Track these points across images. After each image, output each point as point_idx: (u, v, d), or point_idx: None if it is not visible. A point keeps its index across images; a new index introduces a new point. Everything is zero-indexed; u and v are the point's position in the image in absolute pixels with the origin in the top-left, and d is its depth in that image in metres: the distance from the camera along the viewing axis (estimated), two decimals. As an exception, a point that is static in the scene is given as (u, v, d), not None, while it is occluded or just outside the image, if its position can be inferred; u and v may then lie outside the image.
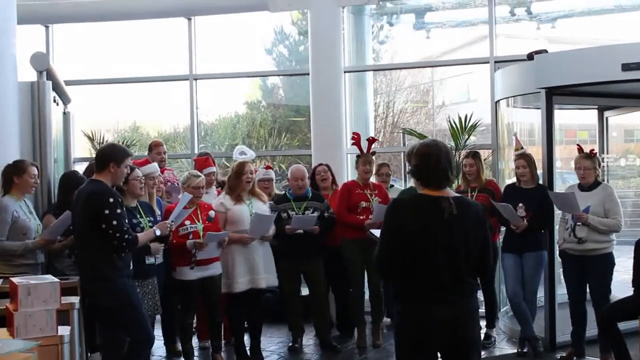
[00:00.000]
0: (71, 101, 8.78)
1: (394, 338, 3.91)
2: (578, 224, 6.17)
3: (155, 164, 6.44)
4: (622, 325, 5.77)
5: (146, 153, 7.90)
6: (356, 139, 7.07)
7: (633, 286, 5.75)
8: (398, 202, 3.77)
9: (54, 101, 7.58)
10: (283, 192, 7.17)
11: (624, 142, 11.24)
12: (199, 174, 6.32)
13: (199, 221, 6.11)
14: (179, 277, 6.13)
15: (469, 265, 3.63)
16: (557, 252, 6.67)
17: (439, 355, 3.72)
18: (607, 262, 6.22)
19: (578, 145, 6.58)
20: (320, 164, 7.49)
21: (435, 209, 3.58)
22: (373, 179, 7.30)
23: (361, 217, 6.76)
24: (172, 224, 5.46)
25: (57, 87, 7.74)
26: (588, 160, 6.33)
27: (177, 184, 7.44)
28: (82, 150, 10.01)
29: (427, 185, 3.66)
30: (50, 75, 7.49)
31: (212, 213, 6.25)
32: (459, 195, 3.77)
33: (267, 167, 7.51)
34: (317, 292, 6.91)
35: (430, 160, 3.62)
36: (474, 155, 7.01)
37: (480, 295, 7.19)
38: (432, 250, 3.55)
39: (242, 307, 6.47)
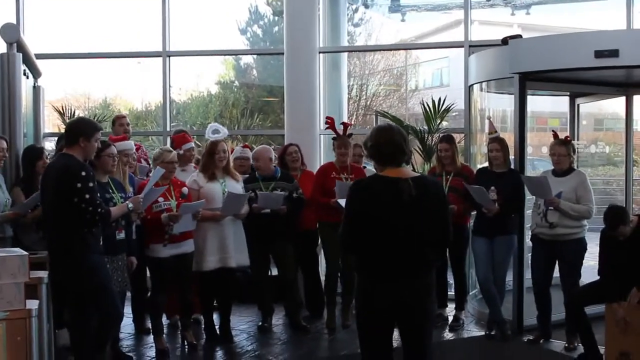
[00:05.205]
0: (42, 75, 8.63)
1: (355, 313, 4.02)
2: (550, 208, 6.20)
3: (131, 142, 6.36)
4: (589, 310, 5.84)
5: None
6: (330, 123, 7.03)
7: (599, 274, 5.84)
8: (358, 184, 3.86)
9: (24, 74, 7.44)
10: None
11: (594, 131, 11.37)
12: (171, 149, 6.24)
13: (172, 198, 6.04)
14: (152, 254, 6.05)
15: (429, 243, 3.75)
16: (527, 237, 6.72)
17: (394, 329, 3.87)
18: (578, 247, 6.26)
19: (553, 131, 6.59)
20: (291, 144, 7.44)
21: (394, 191, 3.69)
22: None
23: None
24: (142, 199, 5.40)
25: (27, 60, 7.60)
26: (563, 147, 6.37)
27: (148, 161, 7.37)
28: (52, 126, 9.88)
29: (384, 163, 3.78)
30: (21, 48, 7.34)
31: (185, 190, 6.18)
32: (419, 175, 3.90)
33: (245, 146, 7.45)
34: (287, 274, 6.88)
35: (382, 136, 3.78)
36: (449, 139, 7.00)
37: (450, 278, 7.27)
38: (391, 230, 3.67)
39: (212, 286, 6.45)
